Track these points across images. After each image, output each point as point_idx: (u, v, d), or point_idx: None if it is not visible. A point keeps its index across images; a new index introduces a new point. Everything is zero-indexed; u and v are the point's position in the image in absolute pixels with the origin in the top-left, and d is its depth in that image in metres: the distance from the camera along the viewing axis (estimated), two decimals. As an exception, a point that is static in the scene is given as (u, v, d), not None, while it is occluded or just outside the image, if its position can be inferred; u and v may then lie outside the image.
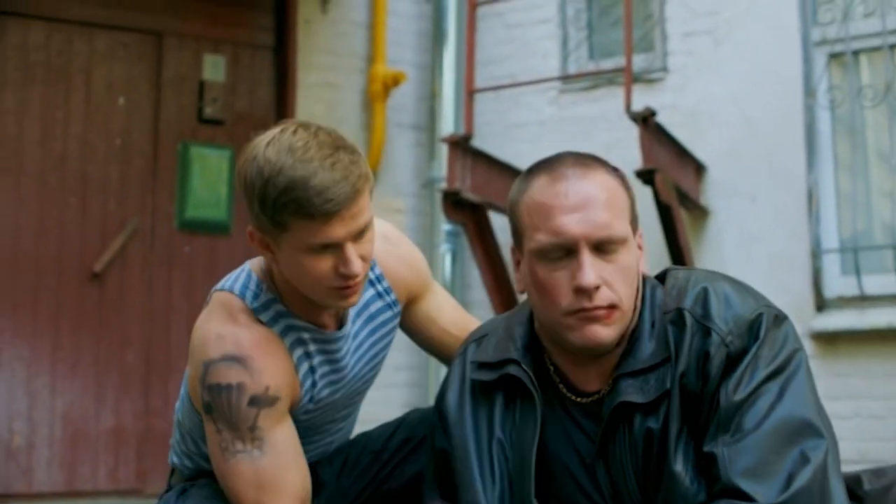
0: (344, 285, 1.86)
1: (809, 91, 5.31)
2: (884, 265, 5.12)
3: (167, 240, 5.64)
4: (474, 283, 5.85)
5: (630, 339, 1.72)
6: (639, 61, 5.60)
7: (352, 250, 1.84)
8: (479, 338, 1.90)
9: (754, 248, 5.39)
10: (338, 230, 1.81)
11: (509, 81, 5.89)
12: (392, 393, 5.58)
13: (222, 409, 1.89)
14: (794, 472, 1.57)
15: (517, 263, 1.78)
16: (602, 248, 1.66)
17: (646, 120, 4.78)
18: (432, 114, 6.05)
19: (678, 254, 5.02)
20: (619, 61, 5.48)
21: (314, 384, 1.99)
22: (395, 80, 5.92)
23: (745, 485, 1.56)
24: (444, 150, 5.57)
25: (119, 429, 5.42)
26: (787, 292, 5.28)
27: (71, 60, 5.51)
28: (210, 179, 5.72)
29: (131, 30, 5.65)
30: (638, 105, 4.97)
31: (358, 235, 1.85)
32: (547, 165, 1.72)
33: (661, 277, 1.81)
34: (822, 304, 5.21)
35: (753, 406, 1.61)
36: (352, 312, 2.06)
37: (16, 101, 5.38)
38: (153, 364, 5.52)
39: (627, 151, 5.42)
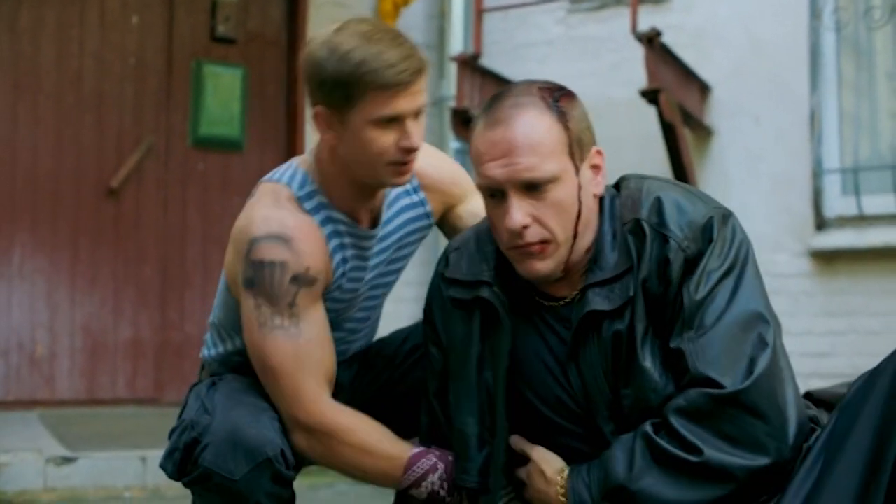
0: (402, 160, 2.03)
1: (816, 12, 5.35)
2: (884, 185, 5.21)
3: (181, 157, 5.76)
4: (482, 200, 5.95)
5: (594, 249, 1.86)
6: (647, -19, 5.63)
7: (412, 125, 2.02)
8: (454, 249, 2.02)
9: (757, 167, 5.48)
10: (403, 104, 1.99)
11: (518, 1, 5.94)
12: (401, 307, 5.74)
13: (264, 284, 2.02)
14: (755, 356, 1.75)
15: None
16: (531, 188, 1.79)
17: (651, 40, 4.85)
18: (441, 33, 6.11)
19: (681, 172, 5.12)
20: (627, -19, 5.52)
21: (344, 273, 2.13)
22: (406, 0, 5.97)
23: (714, 373, 1.73)
24: (452, 69, 5.65)
25: (137, 340, 5.59)
26: (787, 212, 5.39)
27: (85, -21, 5.58)
28: (223, 97, 5.82)
29: (144, -51, 5.71)
30: (645, 25, 5.03)
31: (417, 114, 2.03)
32: (487, 107, 1.84)
33: (617, 186, 1.93)
34: (821, 224, 5.31)
35: (713, 303, 1.77)
36: (386, 215, 2.20)
37: (31, 19, 5.47)
38: (169, 278, 5.68)
39: (634, 72, 5.50)
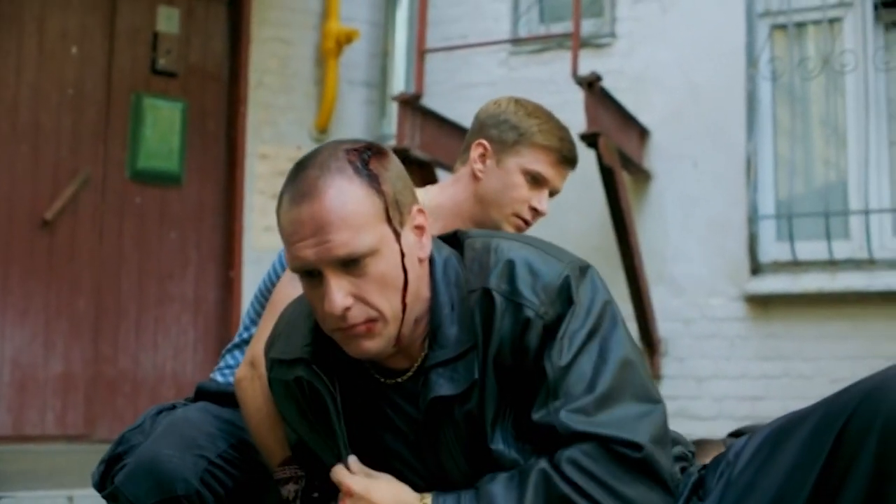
0: (527, 218, 2.30)
1: (752, 61, 5.46)
2: (818, 231, 5.30)
3: (119, 189, 5.69)
4: (422, 239, 5.96)
5: (432, 323, 1.70)
6: (588, 26, 5.71)
7: (547, 196, 2.31)
8: (276, 334, 1.87)
9: (694, 211, 5.55)
10: (554, 175, 2.30)
11: (461, 42, 5.98)
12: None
13: None
14: (642, 414, 1.64)
15: None
16: (348, 265, 1.62)
17: (591, 84, 4.90)
18: (384, 72, 6.13)
19: (619, 215, 5.16)
20: (568, 25, 5.58)
21: None
22: (348, 38, 5.99)
23: (606, 430, 1.61)
24: (394, 108, 5.66)
25: (68, 374, 5.49)
26: (723, 256, 5.46)
27: (24, 7, 5.52)
28: (162, 131, 5.77)
29: (86, -21, 5.67)
30: (585, 69, 5.09)
31: (553, 192, 2.33)
32: (292, 178, 1.66)
33: (454, 243, 1.78)
34: (756, 268, 5.39)
35: (579, 369, 1.64)
36: None
37: (-32, 47, 5.40)
38: (103, 311, 5.60)
39: (574, 114, 5.53)
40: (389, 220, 1.64)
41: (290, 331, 1.80)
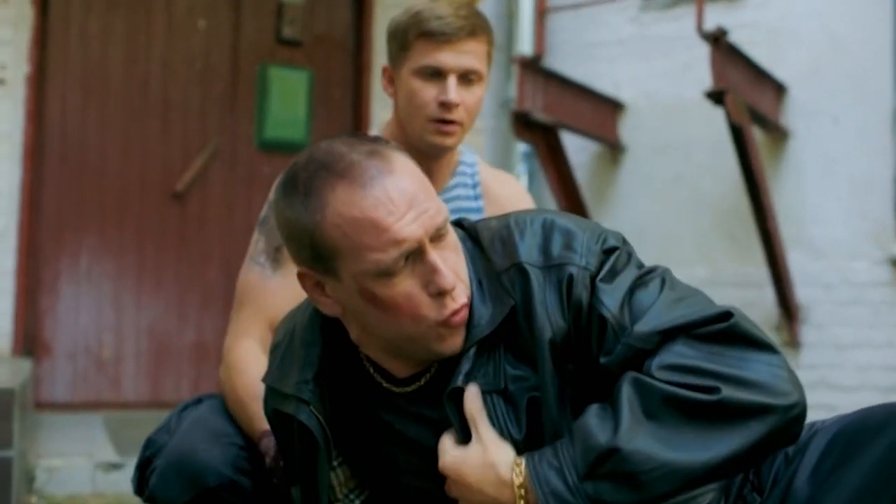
0: (442, 118, 2.06)
1: (898, 7, 5.10)
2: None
3: (247, 160, 5.76)
4: (549, 204, 5.84)
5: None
6: (721, -23, 5.45)
7: (454, 83, 2.04)
8: (274, 347, 1.70)
9: (835, 170, 5.24)
10: (446, 58, 2.03)
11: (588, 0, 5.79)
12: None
13: (268, 223, 2.10)
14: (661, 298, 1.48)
15: (318, 288, 1.53)
16: (438, 236, 1.46)
17: (717, 39, 4.66)
18: (510, 34, 5.99)
19: (751, 176, 4.91)
20: (699, -22, 5.33)
21: None
22: (473, 1, 5.87)
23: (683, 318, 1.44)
24: (518, 71, 5.52)
25: (201, 343, 5.62)
26: (866, 217, 5.15)
27: (152, -16, 5.62)
28: (289, 100, 5.80)
29: (211, -47, 5.73)
30: (717, 23, 4.83)
31: (464, 77, 2.06)
32: (330, 171, 1.44)
33: (467, 229, 1.60)
34: (903, 230, 5.06)
35: (639, 299, 1.47)
36: (456, 190, 2.21)
37: (100, 25, 5.52)
38: (233, 282, 5.64)
39: (706, 71, 5.31)
40: None
41: (289, 359, 1.62)
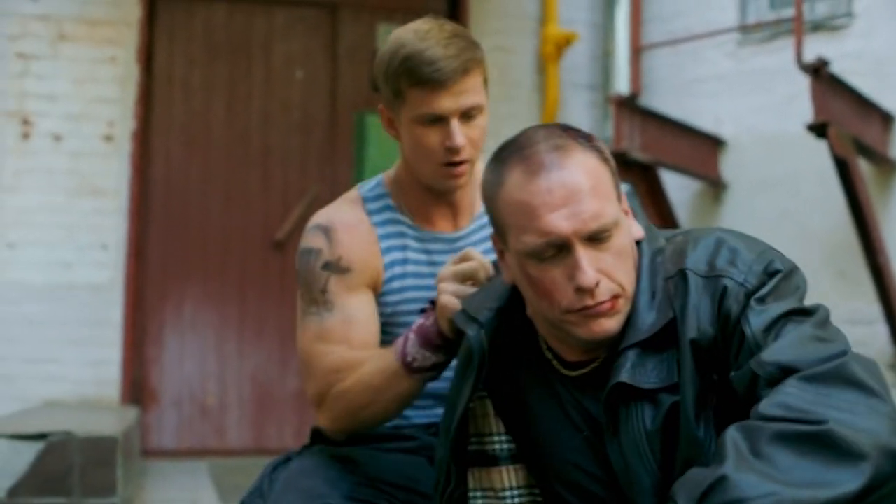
0: (450, 161, 1.99)
1: None
2: None
3: (346, 208, 5.80)
4: (651, 244, 5.73)
5: (630, 307, 1.59)
6: (822, 7, 5.32)
7: (457, 125, 1.97)
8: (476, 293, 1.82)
9: (949, 202, 5.04)
10: (445, 102, 1.95)
11: (685, 35, 5.72)
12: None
13: (303, 271, 2.05)
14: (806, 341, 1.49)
15: (500, 254, 1.68)
16: (595, 238, 1.54)
17: (818, 70, 4.54)
18: (606, 73, 5.95)
19: (859, 210, 4.75)
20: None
21: (404, 274, 2.07)
22: (568, 41, 5.85)
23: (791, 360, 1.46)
24: (615, 110, 5.46)
25: (302, 391, 5.63)
26: (984, 249, 4.93)
27: (251, 37, 5.73)
28: (386, 147, 5.83)
29: (308, 4, 5.83)
30: (819, 54, 4.71)
31: (466, 115, 1.98)
32: (519, 153, 1.59)
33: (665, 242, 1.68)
34: None
35: (781, 334, 1.49)
36: (472, 225, 2.13)
37: (202, 78, 5.66)
38: (334, 328, 5.71)
39: (809, 103, 5.18)
40: (619, 196, 1.61)
41: (484, 292, 1.75)
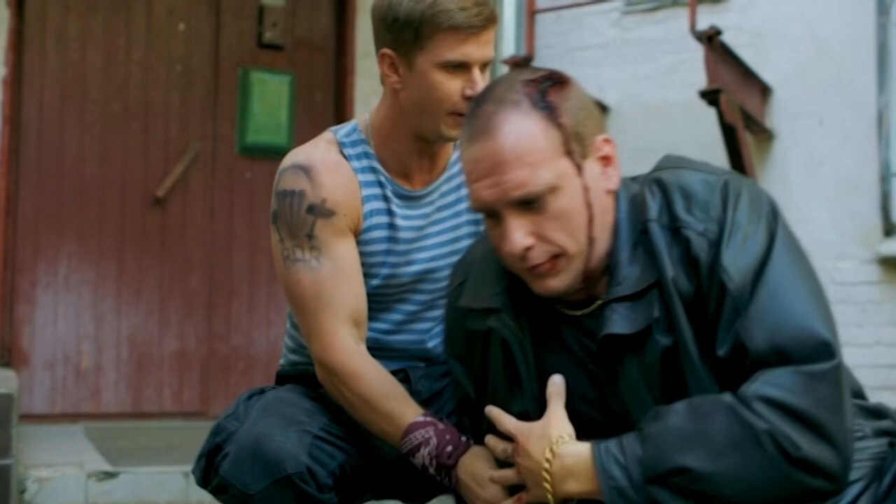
0: (462, 110, 1.94)
1: (883, 9, 5.14)
2: (956, 189, 4.99)
3: (228, 165, 5.67)
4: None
5: (610, 260, 1.63)
6: (704, -20, 5.46)
7: (479, 75, 1.96)
8: (462, 275, 1.83)
9: (821, 171, 5.27)
10: (473, 50, 1.94)
11: (571, 2, 5.79)
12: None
13: (285, 214, 1.98)
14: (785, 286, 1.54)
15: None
16: (527, 204, 1.57)
17: (711, 39, 4.68)
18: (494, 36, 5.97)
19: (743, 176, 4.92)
20: (683, -19, 5.36)
21: (379, 225, 2.04)
22: (455, 3, 5.84)
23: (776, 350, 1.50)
24: (505, 72, 5.50)
25: (183, 352, 5.50)
26: (853, 217, 5.18)
27: (131, -14, 5.52)
28: (270, 104, 5.73)
29: (190, -46, 5.65)
30: (702, 25, 4.85)
31: (484, 66, 1.98)
32: (472, 109, 1.63)
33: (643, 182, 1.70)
34: (889, 229, 5.09)
35: (764, 278, 1.53)
36: (444, 185, 2.11)
37: (78, 27, 5.41)
38: (216, 289, 5.59)
39: (691, 73, 5.32)
40: (570, 154, 1.59)
41: (479, 277, 1.76)
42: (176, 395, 5.47)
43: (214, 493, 1.95)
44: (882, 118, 5.11)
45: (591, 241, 1.60)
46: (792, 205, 5.30)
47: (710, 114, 4.91)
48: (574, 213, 1.58)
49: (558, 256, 1.59)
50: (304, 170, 1.99)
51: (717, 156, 5.16)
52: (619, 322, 1.58)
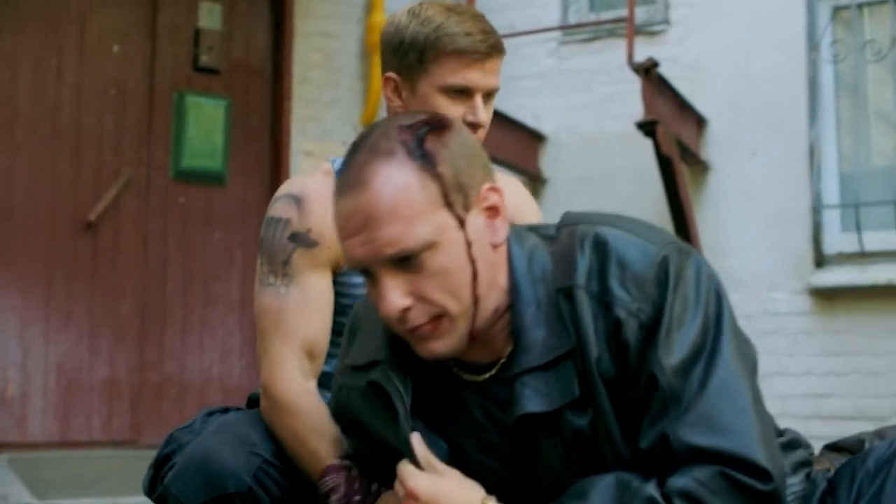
0: None
1: (813, 44, 5.25)
2: (885, 221, 5.08)
3: (162, 190, 5.59)
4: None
5: (513, 324, 1.51)
6: (640, 13, 5.53)
7: (481, 102, 1.98)
8: (353, 332, 1.71)
9: (754, 202, 5.35)
10: (476, 76, 1.96)
11: (508, 32, 5.81)
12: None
13: (268, 240, 1.98)
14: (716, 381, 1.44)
15: None
16: (403, 262, 1.45)
17: (648, 71, 4.72)
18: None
19: (678, 208, 4.97)
20: (620, 12, 5.41)
21: None
22: (393, 30, 5.84)
23: (718, 441, 1.41)
24: (442, 102, 5.49)
25: (113, 380, 5.39)
26: (786, 248, 5.26)
27: (64, 8, 5.42)
28: (206, 129, 5.66)
29: (125, -24, 5.57)
30: (639, 57, 4.90)
31: (487, 95, 2.00)
32: (343, 165, 1.51)
33: (547, 235, 1.57)
34: (821, 261, 5.18)
35: (694, 372, 1.43)
36: None
37: (8, 48, 5.30)
38: (148, 316, 5.49)
39: (628, 104, 5.38)
40: (450, 206, 1.46)
41: (365, 333, 1.65)
42: (105, 424, 5.36)
43: (156, 502, 1.92)
44: (814, 150, 5.20)
45: (476, 299, 1.47)
46: (726, 236, 5.37)
47: (647, 144, 4.95)
48: (456, 270, 1.46)
49: (440, 317, 1.47)
50: (296, 199, 1.99)
51: (654, 186, 5.21)
52: (533, 398, 1.47)
